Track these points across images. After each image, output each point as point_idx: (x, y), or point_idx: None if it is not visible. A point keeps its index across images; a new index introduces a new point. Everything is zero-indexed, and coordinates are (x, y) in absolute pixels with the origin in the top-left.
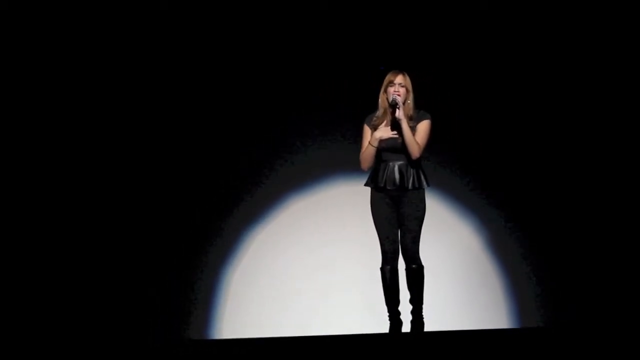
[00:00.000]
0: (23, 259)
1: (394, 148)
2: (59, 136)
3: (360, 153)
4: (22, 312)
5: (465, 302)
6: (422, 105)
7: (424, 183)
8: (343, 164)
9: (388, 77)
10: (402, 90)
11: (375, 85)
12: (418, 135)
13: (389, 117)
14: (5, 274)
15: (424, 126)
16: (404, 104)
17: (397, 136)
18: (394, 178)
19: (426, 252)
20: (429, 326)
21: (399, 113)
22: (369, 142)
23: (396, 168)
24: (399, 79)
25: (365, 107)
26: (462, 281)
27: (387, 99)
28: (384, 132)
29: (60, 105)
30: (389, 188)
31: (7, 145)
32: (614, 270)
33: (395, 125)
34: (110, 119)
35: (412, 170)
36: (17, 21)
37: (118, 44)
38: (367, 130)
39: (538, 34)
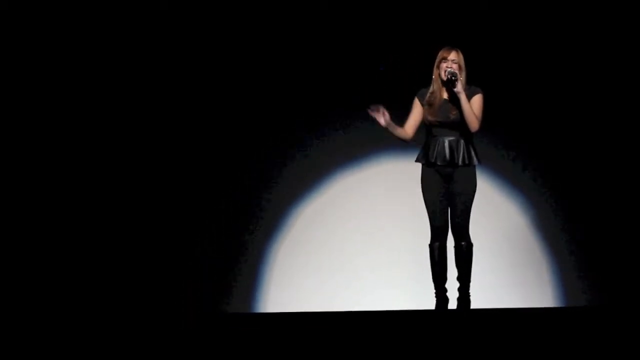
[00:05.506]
0: (64, 230)
1: (444, 123)
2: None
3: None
4: (62, 279)
5: (511, 280)
6: (472, 83)
7: (475, 159)
8: (390, 140)
9: (441, 54)
10: (454, 67)
11: (426, 60)
12: (474, 109)
13: (443, 92)
14: (51, 252)
15: (477, 100)
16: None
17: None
18: (445, 154)
19: (472, 230)
20: (474, 304)
21: (459, 86)
22: (389, 129)
23: (446, 143)
24: (452, 55)
25: (413, 82)
26: (507, 259)
27: (441, 74)
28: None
29: (73, 105)
30: (439, 164)
31: (7, 145)
32: None
33: (454, 99)
34: (166, 107)
35: (462, 146)
36: (17, 21)
37: (126, 45)
38: (416, 103)
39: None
